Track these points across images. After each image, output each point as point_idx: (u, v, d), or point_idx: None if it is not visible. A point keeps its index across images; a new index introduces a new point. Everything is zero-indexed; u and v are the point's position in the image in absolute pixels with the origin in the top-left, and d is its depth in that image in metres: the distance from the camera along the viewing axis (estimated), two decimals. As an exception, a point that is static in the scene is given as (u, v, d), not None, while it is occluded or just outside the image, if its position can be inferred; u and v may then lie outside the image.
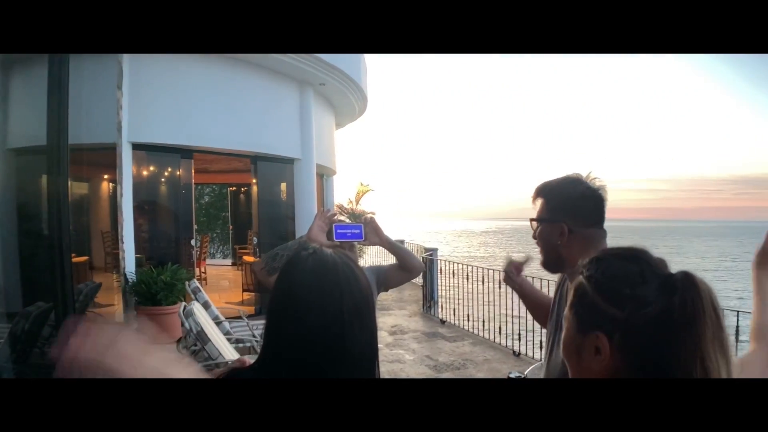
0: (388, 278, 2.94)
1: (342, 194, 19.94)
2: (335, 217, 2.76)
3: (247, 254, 13.33)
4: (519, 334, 7.48)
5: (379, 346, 5.36)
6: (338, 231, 2.66)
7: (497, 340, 7.87)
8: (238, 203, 17.30)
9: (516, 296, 2.28)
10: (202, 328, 4.69)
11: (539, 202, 1.82)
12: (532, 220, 1.82)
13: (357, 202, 11.24)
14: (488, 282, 8.41)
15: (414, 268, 2.92)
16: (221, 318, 6.51)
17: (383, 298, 11.61)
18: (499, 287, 7.73)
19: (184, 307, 5.07)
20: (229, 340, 5.83)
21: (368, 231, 2.74)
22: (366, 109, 13.33)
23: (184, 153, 8.56)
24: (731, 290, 29.28)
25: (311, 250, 1.31)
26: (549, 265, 1.81)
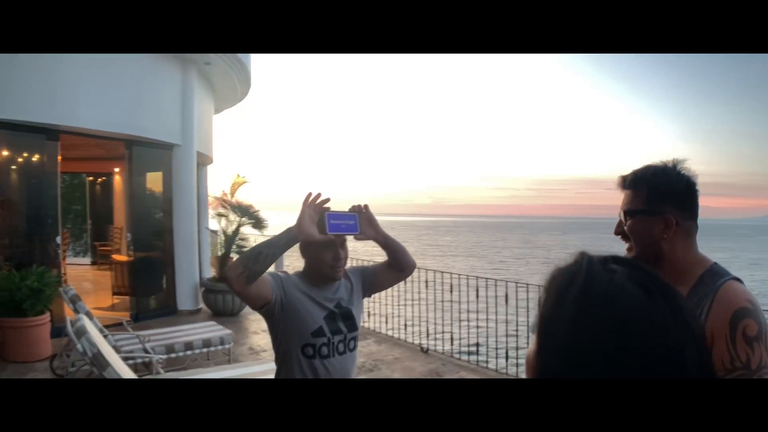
0: (377, 280, 2.55)
1: (216, 185, 18.68)
2: (326, 203, 2.16)
3: (115, 252, 11.97)
4: (427, 330, 7.45)
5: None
6: (331, 222, 2.13)
7: (402, 336, 7.62)
8: (95, 195, 15.55)
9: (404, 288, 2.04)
10: (99, 350, 3.77)
11: (632, 192, 1.66)
12: (628, 211, 1.65)
13: (232, 195, 10.34)
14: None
15: (409, 267, 2.52)
16: (105, 330, 5.50)
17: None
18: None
19: (72, 322, 4.11)
20: (117, 353, 4.90)
21: (363, 222, 2.28)
22: (248, 94, 12.36)
23: (49, 133, 7.25)
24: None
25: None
26: (645, 262, 1.43)
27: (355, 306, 2.42)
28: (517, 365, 6.59)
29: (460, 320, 7.51)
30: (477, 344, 7.07)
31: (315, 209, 2.10)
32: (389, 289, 2.68)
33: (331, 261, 2.25)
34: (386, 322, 7.97)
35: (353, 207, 2.28)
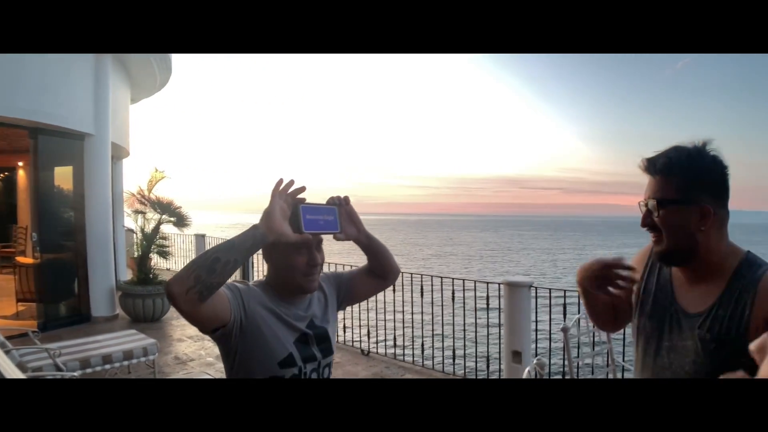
0: (354, 289, 2.06)
1: (133, 181, 17.55)
2: (300, 193, 1.66)
3: (20, 254, 10.88)
4: (368, 332, 7.03)
5: (209, 359, 3.99)
6: (307, 218, 1.65)
7: (339, 339, 7.18)
8: (-5, 191, 14.25)
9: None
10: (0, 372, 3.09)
11: (663, 178, 1.54)
12: (660, 201, 1.53)
13: (149, 191, 9.56)
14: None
15: (392, 273, 2.07)
16: (8, 345, 4.72)
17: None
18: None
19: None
20: (23, 372, 4.19)
21: (342, 218, 1.82)
22: (168, 82, 11.51)
23: (-63, 120, 6.31)
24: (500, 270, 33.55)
25: None
26: (678, 255, 1.58)
27: (330, 324, 1.94)
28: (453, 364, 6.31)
29: (403, 321, 7.10)
30: (422, 344, 6.66)
31: (287, 201, 1.61)
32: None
33: (304, 267, 1.76)
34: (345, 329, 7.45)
35: (331, 199, 1.80)
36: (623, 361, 4.78)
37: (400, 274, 2.25)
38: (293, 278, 1.76)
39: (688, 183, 1.51)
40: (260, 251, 1.73)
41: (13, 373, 3.62)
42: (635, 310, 1.76)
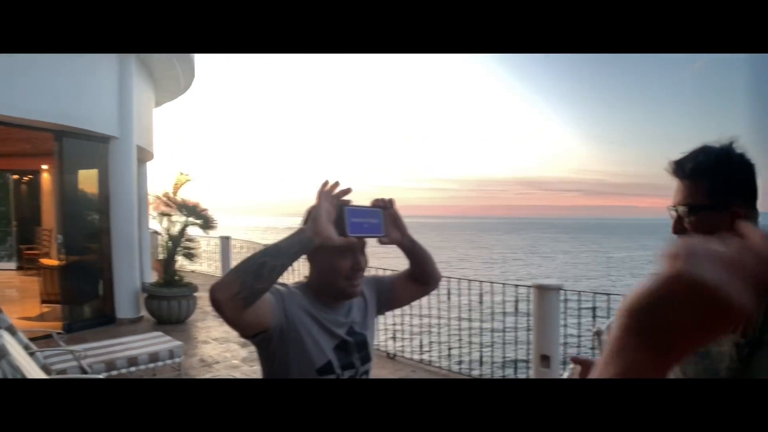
0: (394, 295, 1.98)
1: (157, 184, 17.66)
2: (345, 195, 1.59)
3: (44, 256, 10.97)
4: (393, 335, 6.91)
5: (235, 362, 3.90)
6: (352, 221, 1.59)
7: None
8: (21, 194, 14.39)
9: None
10: (23, 375, 3.06)
11: (692, 182, 1.45)
12: (692, 207, 1.45)
13: (175, 193, 9.57)
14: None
15: (435, 280, 1.99)
16: (33, 347, 4.70)
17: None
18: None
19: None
20: (47, 374, 4.16)
21: (387, 222, 1.75)
22: (191, 85, 11.54)
23: (-37, 122, 6.35)
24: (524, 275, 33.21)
25: None
26: None
27: (369, 330, 1.87)
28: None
29: (430, 324, 7.00)
30: (448, 347, 6.55)
31: (332, 203, 1.55)
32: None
33: (348, 272, 1.69)
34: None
35: (375, 201, 1.73)
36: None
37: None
38: (336, 282, 1.70)
39: (718, 187, 1.44)
40: None
41: (37, 375, 3.60)
42: None
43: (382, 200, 1.73)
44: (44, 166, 12.70)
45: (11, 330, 4.59)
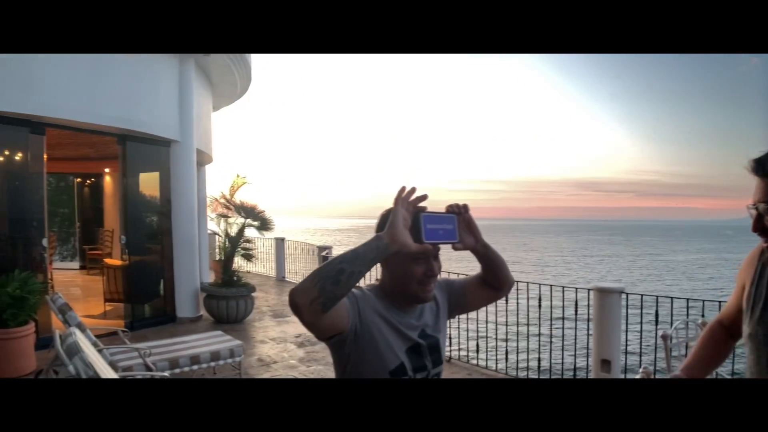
0: (465, 299, 1.98)
1: (214, 186, 18.01)
2: (421, 201, 1.58)
3: (106, 256, 11.31)
4: (449, 338, 6.64)
5: (292, 362, 3.91)
6: (428, 227, 1.58)
7: None
8: (84, 197, 14.89)
9: None
10: (95, 372, 3.15)
11: None
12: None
13: (232, 196, 9.75)
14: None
15: (507, 284, 1.96)
16: (99, 344, 4.85)
17: (272, 302, 10.20)
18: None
19: (62, 337, 3.47)
20: (114, 371, 4.28)
21: (461, 227, 1.72)
22: (248, 90, 11.75)
23: (34, 127, 6.60)
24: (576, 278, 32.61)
25: None
26: None
27: (441, 333, 1.87)
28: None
29: (486, 327, 6.93)
30: (506, 351, 6.48)
31: (408, 209, 1.55)
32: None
33: (422, 277, 1.70)
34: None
35: (450, 207, 1.72)
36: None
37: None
38: (409, 287, 1.72)
39: None
40: None
41: (109, 374, 3.71)
42: (745, 316, 1.69)
43: (457, 205, 1.72)
44: (106, 170, 13.11)
45: (81, 327, 4.76)
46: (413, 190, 1.57)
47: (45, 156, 7.01)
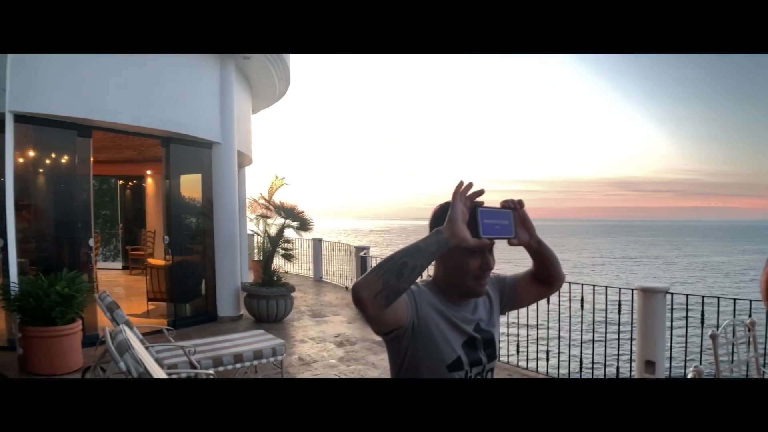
0: (517, 295, 1.99)
1: (253, 187, 18.22)
2: (477, 197, 1.58)
3: (149, 257, 11.54)
4: None
5: (332, 361, 3.91)
6: (485, 222, 1.58)
7: None
8: (126, 199, 15.23)
9: None
10: (146, 368, 3.22)
11: None
12: None
13: (270, 197, 9.84)
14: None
15: (559, 280, 1.96)
16: (146, 342, 4.95)
17: (310, 302, 10.27)
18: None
19: (112, 335, 3.55)
20: (161, 368, 4.36)
21: (516, 223, 1.72)
22: (286, 92, 11.87)
23: (81, 130, 6.78)
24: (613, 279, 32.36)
25: None
26: None
27: (495, 328, 1.88)
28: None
29: (527, 327, 6.87)
30: (547, 352, 6.41)
31: (466, 204, 1.56)
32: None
33: (477, 271, 1.71)
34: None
35: (505, 202, 1.72)
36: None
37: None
38: (464, 281, 1.72)
39: None
40: None
41: (158, 371, 3.78)
42: None
43: (512, 201, 1.72)
44: (148, 172, 13.37)
45: (128, 324, 4.86)
46: (470, 185, 1.57)
47: (92, 158, 7.18)
